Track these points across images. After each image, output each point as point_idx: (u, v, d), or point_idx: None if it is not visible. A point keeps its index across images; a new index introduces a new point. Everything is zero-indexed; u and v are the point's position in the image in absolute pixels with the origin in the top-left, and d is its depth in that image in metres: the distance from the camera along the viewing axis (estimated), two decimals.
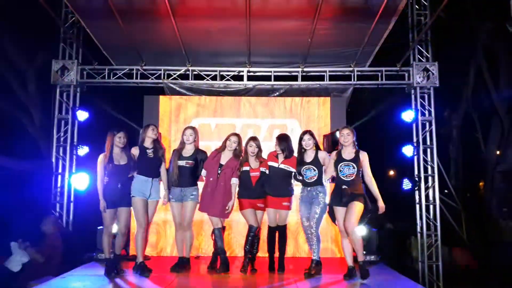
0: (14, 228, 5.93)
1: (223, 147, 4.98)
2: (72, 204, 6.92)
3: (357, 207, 4.40)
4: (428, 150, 6.98)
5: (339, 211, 4.52)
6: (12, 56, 9.22)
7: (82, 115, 6.96)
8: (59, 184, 6.97)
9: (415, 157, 6.95)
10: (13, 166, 7.92)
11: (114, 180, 4.60)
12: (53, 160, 7.00)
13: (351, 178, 4.48)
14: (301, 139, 4.81)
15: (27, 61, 9.38)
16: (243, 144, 5.01)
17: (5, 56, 9.18)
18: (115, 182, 4.60)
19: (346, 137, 4.56)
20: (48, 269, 5.42)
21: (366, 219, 4.71)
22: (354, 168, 4.48)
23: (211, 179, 4.87)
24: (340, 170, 4.53)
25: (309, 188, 4.73)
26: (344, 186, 4.48)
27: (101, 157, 4.62)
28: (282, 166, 4.89)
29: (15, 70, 9.34)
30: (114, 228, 4.79)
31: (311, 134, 4.81)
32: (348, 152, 4.56)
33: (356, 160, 4.50)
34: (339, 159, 4.56)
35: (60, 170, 7.01)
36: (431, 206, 6.86)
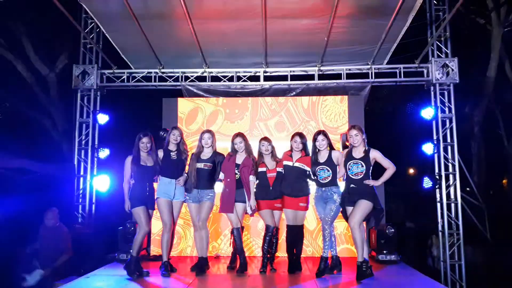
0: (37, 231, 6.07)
1: (234, 151, 5.01)
2: (94, 206, 7.07)
3: (364, 205, 4.39)
4: (449, 147, 6.87)
5: (349, 211, 4.52)
6: (35, 62, 9.48)
7: (103, 119, 7.09)
8: (81, 186, 7.14)
9: (436, 155, 6.85)
10: (36, 169, 8.13)
11: (140, 180, 4.70)
12: (75, 162, 7.17)
13: (360, 177, 4.46)
14: (315, 139, 4.78)
15: (49, 66, 9.63)
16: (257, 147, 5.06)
17: (28, 62, 9.45)
18: (142, 183, 4.70)
19: (355, 138, 4.53)
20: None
21: (375, 219, 4.66)
22: (362, 166, 4.46)
23: (228, 180, 4.91)
24: (349, 169, 4.52)
25: (323, 189, 4.71)
26: (352, 185, 4.47)
27: (128, 159, 4.73)
28: (297, 164, 4.89)
29: (38, 76, 9.60)
30: None
31: (325, 135, 4.78)
32: (359, 151, 4.54)
33: (365, 158, 4.47)
34: (349, 158, 4.56)
35: (82, 173, 7.17)
36: (453, 205, 6.74)
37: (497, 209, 9.65)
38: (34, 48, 9.41)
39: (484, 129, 10.82)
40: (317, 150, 4.78)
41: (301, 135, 4.96)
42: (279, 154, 5.11)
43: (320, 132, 4.80)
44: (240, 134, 5.06)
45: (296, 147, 4.91)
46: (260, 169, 4.94)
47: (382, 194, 6.28)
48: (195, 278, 4.66)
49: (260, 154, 5.01)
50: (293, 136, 4.98)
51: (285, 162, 4.95)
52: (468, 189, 8.20)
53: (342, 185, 4.72)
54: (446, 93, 6.96)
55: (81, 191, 7.12)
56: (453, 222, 6.69)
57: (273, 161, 4.99)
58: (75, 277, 4.92)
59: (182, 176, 4.88)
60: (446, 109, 6.92)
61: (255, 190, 4.94)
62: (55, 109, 9.66)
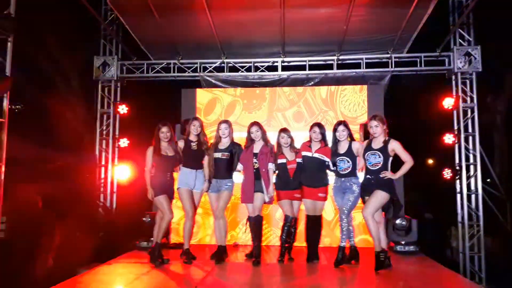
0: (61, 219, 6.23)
1: (251, 140, 5.02)
2: (115, 195, 7.23)
3: (379, 195, 4.35)
4: (470, 138, 6.75)
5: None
6: (56, 53, 9.63)
7: (123, 109, 7.20)
8: (102, 176, 7.29)
9: (456, 146, 6.74)
10: (59, 159, 8.32)
11: (161, 170, 4.79)
12: (97, 152, 7.32)
13: (377, 168, 4.40)
14: (335, 129, 4.75)
15: (70, 58, 9.78)
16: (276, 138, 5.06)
17: (50, 54, 9.60)
18: (164, 172, 4.79)
19: (375, 129, 4.47)
20: None
21: (392, 212, 4.63)
22: (380, 157, 4.40)
23: (247, 171, 4.95)
24: (367, 159, 4.49)
25: (343, 179, 4.69)
26: (369, 176, 4.44)
27: (149, 149, 4.82)
28: (316, 155, 4.88)
29: (60, 67, 9.76)
30: None
31: (345, 125, 4.74)
32: (378, 142, 4.48)
33: (383, 149, 4.41)
34: (368, 148, 4.52)
35: (103, 162, 7.32)
36: (473, 196, 6.65)
37: None
38: (55, 39, 9.55)
39: (507, 118, 10.57)
40: (337, 141, 4.75)
41: (320, 125, 4.95)
42: (297, 145, 5.11)
43: (340, 123, 4.77)
44: (255, 123, 5.06)
45: (315, 137, 4.90)
46: (280, 161, 4.94)
47: (401, 185, 6.23)
48: (214, 266, 4.73)
49: (279, 145, 5.01)
50: (312, 127, 4.96)
51: (304, 153, 4.95)
52: (488, 180, 8.05)
53: (361, 176, 4.70)
54: (468, 82, 6.82)
55: (102, 181, 7.28)
56: (473, 213, 6.61)
57: (292, 152, 4.99)
58: (98, 264, 5.06)
59: (205, 183, 4.95)
60: (468, 99, 6.78)
61: (275, 181, 4.97)
62: (76, 100, 9.83)
